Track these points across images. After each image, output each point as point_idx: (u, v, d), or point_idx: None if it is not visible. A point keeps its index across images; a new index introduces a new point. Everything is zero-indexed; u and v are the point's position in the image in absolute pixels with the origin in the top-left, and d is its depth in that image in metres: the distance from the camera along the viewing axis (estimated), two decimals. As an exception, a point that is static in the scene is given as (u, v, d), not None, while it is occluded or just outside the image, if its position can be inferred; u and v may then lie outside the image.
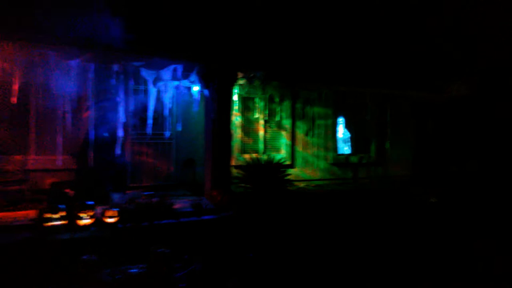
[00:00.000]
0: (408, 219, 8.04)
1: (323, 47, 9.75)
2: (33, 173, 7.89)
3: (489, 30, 11.17)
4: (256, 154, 9.18)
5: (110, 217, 5.78)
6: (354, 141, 11.51)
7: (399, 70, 10.61)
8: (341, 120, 11.37)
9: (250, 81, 8.86)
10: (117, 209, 5.90)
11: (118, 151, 7.38)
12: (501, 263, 5.56)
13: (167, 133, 8.22)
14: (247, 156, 9.54)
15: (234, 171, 9.18)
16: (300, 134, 10.64)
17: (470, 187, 10.04)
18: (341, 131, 11.42)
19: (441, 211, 8.57)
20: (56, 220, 5.50)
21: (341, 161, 11.14)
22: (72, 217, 5.70)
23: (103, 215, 5.82)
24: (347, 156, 11.30)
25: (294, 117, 10.54)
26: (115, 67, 7.13)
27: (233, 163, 9.56)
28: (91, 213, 5.73)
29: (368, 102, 11.42)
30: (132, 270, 4.57)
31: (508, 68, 11.32)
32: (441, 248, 6.35)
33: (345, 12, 10.13)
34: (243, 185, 8.71)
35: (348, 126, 11.45)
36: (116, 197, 7.17)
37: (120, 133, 7.27)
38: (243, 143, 10.00)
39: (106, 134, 7.67)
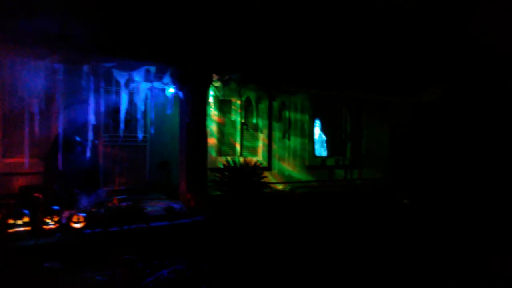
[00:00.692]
0: (381, 220, 8.11)
1: (300, 50, 9.76)
2: (1, 177, 7.64)
3: (464, 36, 11.40)
4: (233, 157, 9.10)
5: (77, 222, 5.62)
6: (331, 143, 11.58)
7: (374, 74, 10.73)
8: (317, 123, 11.41)
9: (225, 83, 8.79)
10: (84, 214, 5.73)
11: (88, 154, 7.19)
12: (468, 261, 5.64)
13: (140, 136, 8.05)
14: (223, 158, 9.44)
15: (211, 174, 9.09)
16: (277, 136, 10.62)
17: (442, 189, 10.21)
18: (318, 133, 11.46)
19: (412, 212, 8.67)
20: (20, 226, 5.30)
21: (317, 164, 11.18)
22: (37, 222, 5.51)
23: (69, 220, 5.65)
24: (323, 158, 11.35)
25: (271, 120, 10.52)
26: (85, 68, 6.94)
27: (210, 165, 9.47)
28: (57, 218, 5.55)
29: (344, 105, 11.51)
30: (97, 277, 4.43)
31: (480, 72, 11.56)
32: (411, 247, 6.40)
33: (322, 17, 10.17)
34: (219, 188, 8.63)
35: (324, 129, 11.50)
36: (86, 201, 7.00)
37: (90, 135, 7.08)
38: (219, 146, 9.92)
39: (76, 137, 7.48)
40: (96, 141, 8.24)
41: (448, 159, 11.88)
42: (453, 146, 12.01)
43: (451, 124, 12.12)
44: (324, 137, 11.51)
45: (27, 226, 5.35)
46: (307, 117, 11.01)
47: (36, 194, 7.14)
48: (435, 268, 5.41)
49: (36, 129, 7.03)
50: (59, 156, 7.02)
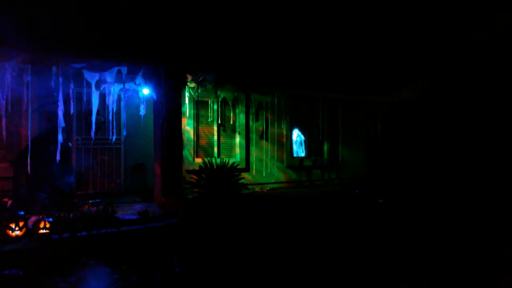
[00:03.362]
0: (356, 219, 8.16)
1: (276, 51, 9.74)
2: (-31, 181, 7.40)
3: (443, 33, 11.54)
4: (210, 158, 9.02)
5: (43, 228, 5.45)
6: (308, 144, 11.60)
7: (351, 75, 10.80)
8: (295, 124, 11.40)
9: (200, 84, 8.69)
10: (51, 220, 5.57)
11: (59, 157, 6.99)
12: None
13: (114, 138, 7.90)
14: (200, 160, 9.36)
15: (187, 176, 9.00)
16: (254, 137, 10.58)
17: (419, 189, 10.33)
18: (296, 134, 11.46)
19: (387, 211, 8.75)
20: (-17, 232, 5.12)
21: (295, 164, 11.19)
22: (2, 228, 5.34)
23: (36, 225, 5.48)
24: (301, 159, 11.36)
25: (248, 121, 10.48)
26: (54, 69, 6.76)
27: (186, 167, 9.38)
28: (22, 224, 5.38)
29: (321, 106, 11.57)
30: (60, 284, 4.29)
31: (455, 71, 11.74)
32: (389, 245, 6.43)
33: (298, 17, 10.18)
34: (196, 190, 8.54)
35: (302, 129, 11.52)
36: (57, 206, 6.82)
37: (60, 139, 6.89)
38: (196, 147, 9.82)
39: (45, 140, 7.29)
40: (70, 144, 8.06)
41: (427, 158, 12.04)
42: (432, 145, 12.17)
43: (429, 123, 12.28)
44: (302, 137, 11.53)
45: (-10, 232, 5.17)
46: (284, 117, 11.00)
47: (5, 199, 6.95)
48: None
49: (4, 133, 6.83)
50: (28, 160, 6.82)
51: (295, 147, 11.44)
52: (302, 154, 11.51)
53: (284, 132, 11.04)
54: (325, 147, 11.86)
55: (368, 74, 11.06)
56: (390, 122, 12.62)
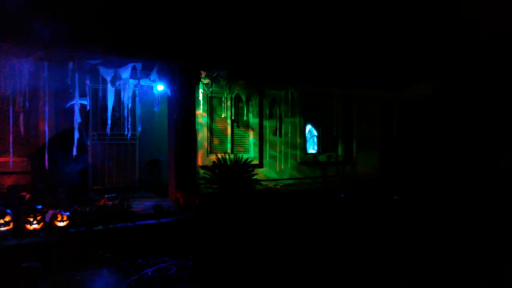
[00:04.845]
0: (372, 215, 8.09)
1: (289, 47, 9.68)
2: (-11, 176, 7.57)
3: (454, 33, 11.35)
4: (224, 154, 9.04)
5: (61, 221, 5.54)
6: (322, 140, 11.51)
7: (365, 70, 10.66)
8: (308, 120, 11.33)
9: (214, 80, 8.70)
10: (68, 213, 5.65)
11: (75, 152, 7.09)
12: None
13: (129, 134, 7.97)
14: (214, 156, 9.38)
15: (201, 172, 9.03)
16: (268, 133, 10.55)
17: (435, 186, 10.18)
18: (309, 130, 11.39)
19: (402, 207, 8.65)
20: (2, 225, 5.23)
21: (309, 160, 11.13)
22: (21, 221, 5.44)
23: (53, 219, 5.58)
24: (315, 155, 11.29)
25: (261, 117, 10.45)
26: (71, 66, 6.85)
27: (200, 163, 9.42)
28: (40, 217, 5.48)
29: (335, 101, 11.46)
30: (77, 277, 4.37)
31: (473, 66, 11.52)
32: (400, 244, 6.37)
33: (312, 12, 10.10)
34: (209, 185, 8.57)
35: (315, 125, 11.44)
36: (74, 200, 6.94)
37: (77, 134, 6.99)
38: (210, 143, 9.85)
39: (62, 135, 7.41)
40: (86, 139, 8.17)
41: (442, 155, 11.85)
42: (447, 142, 11.97)
43: (444, 119, 12.08)
44: (315, 133, 11.45)
45: (9, 225, 5.28)
46: (298, 113, 10.93)
47: (23, 193, 7.09)
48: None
49: (22, 129, 6.95)
50: (46, 155, 6.94)
51: (308, 143, 11.38)
52: (316, 150, 11.44)
53: (298, 128, 10.98)
54: (339, 143, 11.76)
55: (382, 69, 10.91)
56: (405, 118, 12.44)
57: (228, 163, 8.66)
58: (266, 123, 10.54)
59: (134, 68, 7.33)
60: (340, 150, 11.75)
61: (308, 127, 11.39)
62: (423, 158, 11.83)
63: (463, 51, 11.25)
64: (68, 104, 7.56)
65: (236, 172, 8.62)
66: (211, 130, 9.86)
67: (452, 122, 11.98)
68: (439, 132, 12.08)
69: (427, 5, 10.66)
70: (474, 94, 11.66)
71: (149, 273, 4.91)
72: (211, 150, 9.84)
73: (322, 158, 11.32)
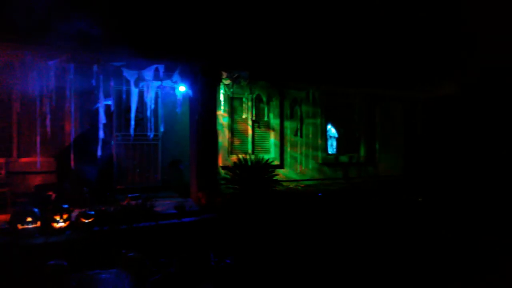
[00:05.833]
0: (395, 217, 7.96)
1: (310, 46, 9.64)
2: (16, 176, 7.76)
3: (480, 31, 11.06)
4: (245, 155, 9.06)
5: (86, 220, 5.66)
6: (344, 140, 11.38)
7: (388, 70, 10.50)
8: (330, 120, 11.23)
9: (235, 81, 8.73)
10: (92, 212, 5.77)
11: (100, 152, 7.23)
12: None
13: (151, 134, 8.09)
14: (235, 157, 9.41)
15: (222, 172, 9.07)
16: (288, 134, 10.51)
17: (460, 188, 9.93)
18: (331, 131, 11.29)
19: (426, 210, 8.48)
20: (30, 223, 5.38)
21: (330, 161, 11.02)
22: (47, 220, 5.58)
23: (78, 218, 5.70)
24: (336, 155, 11.18)
25: (282, 117, 10.42)
26: (95, 68, 7.00)
27: (221, 163, 9.46)
28: (66, 216, 5.61)
29: (357, 101, 11.31)
30: (101, 275, 4.45)
31: (498, 68, 11.20)
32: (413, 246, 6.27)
33: (334, 11, 10.02)
34: (231, 186, 8.59)
35: (337, 126, 11.32)
36: (98, 199, 7.07)
37: (101, 134, 7.13)
38: (231, 144, 9.88)
39: (87, 136, 7.56)
40: (110, 140, 8.32)
41: (466, 157, 11.56)
42: (472, 143, 11.67)
43: (469, 120, 11.78)
44: (337, 134, 11.34)
45: (36, 224, 5.42)
46: (319, 113, 10.85)
47: (49, 193, 7.27)
48: (435, 268, 5.25)
49: (49, 129, 7.12)
50: (71, 155, 7.11)
51: (330, 143, 11.28)
52: (337, 151, 11.32)
53: (319, 128, 10.89)
54: (362, 144, 11.61)
55: (406, 69, 10.72)
56: (429, 118, 12.18)
57: (249, 163, 8.66)
58: (287, 123, 10.50)
59: (156, 70, 7.43)
60: (362, 151, 11.60)
61: (330, 127, 11.28)
62: (448, 158, 11.56)
63: (488, 51, 10.94)
64: (94, 106, 7.72)
65: (256, 172, 8.62)
66: (232, 130, 9.89)
67: (478, 122, 11.67)
68: (465, 132, 11.79)
69: (449, 5, 10.43)
70: (501, 93, 11.34)
71: (172, 270, 4.96)
72: (232, 150, 9.87)
73: (344, 159, 11.20)
